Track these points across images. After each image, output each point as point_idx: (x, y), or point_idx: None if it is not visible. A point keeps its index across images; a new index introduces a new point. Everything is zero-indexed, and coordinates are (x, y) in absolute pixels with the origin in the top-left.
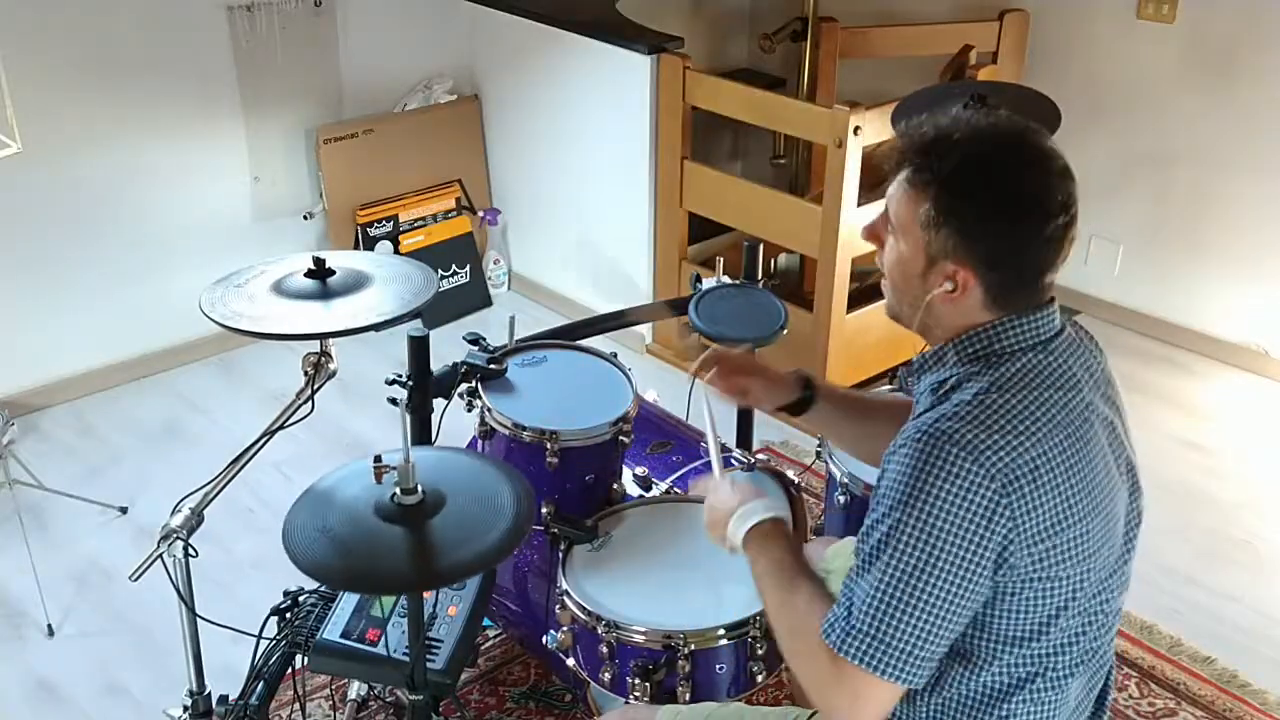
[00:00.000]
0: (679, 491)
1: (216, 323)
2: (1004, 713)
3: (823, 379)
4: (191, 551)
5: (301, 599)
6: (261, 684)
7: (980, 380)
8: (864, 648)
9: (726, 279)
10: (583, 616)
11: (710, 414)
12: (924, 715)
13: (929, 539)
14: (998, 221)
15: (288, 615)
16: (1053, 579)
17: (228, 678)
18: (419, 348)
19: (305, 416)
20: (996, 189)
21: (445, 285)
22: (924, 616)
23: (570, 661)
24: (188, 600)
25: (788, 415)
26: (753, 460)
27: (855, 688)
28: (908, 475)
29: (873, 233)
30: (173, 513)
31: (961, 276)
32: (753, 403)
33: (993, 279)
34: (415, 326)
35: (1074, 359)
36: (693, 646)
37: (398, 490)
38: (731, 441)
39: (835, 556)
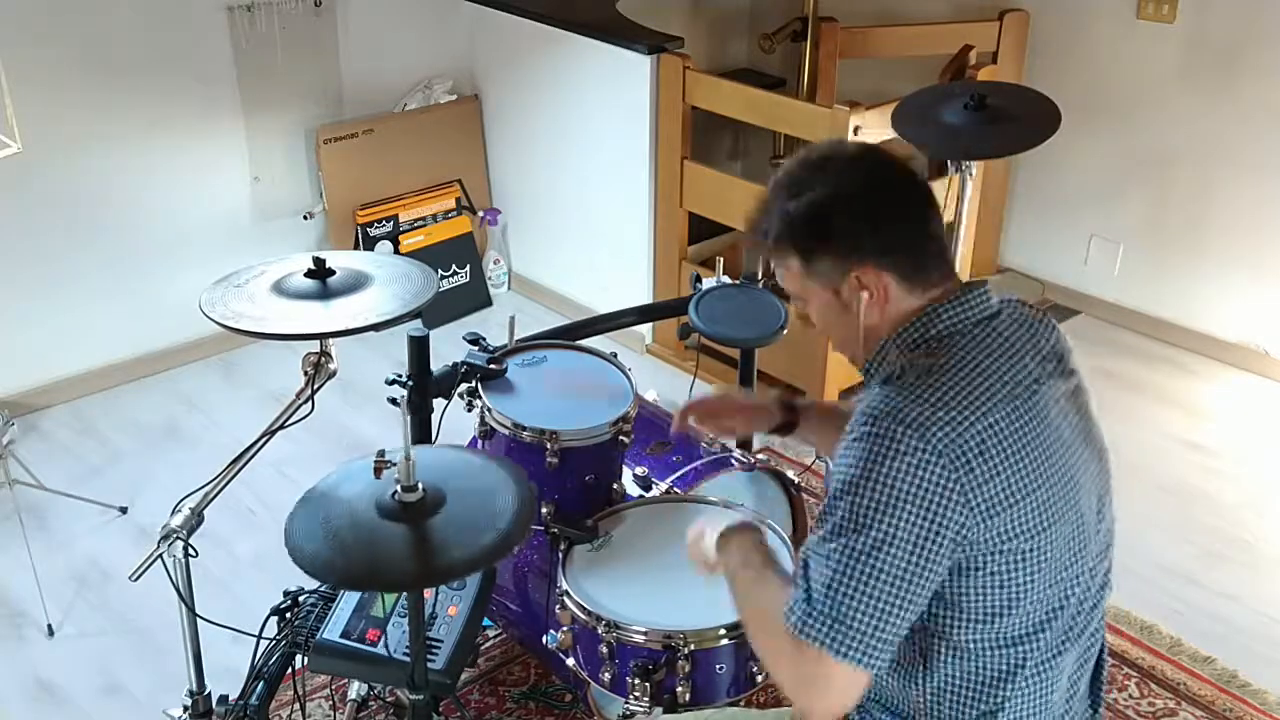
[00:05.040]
0: (679, 491)
1: (217, 323)
2: (1000, 698)
3: (802, 398)
4: (191, 551)
5: (301, 599)
6: (261, 684)
7: (922, 361)
8: (824, 630)
9: (726, 279)
10: (583, 616)
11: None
12: (922, 703)
13: (882, 519)
14: (843, 215)
15: (288, 615)
16: (1015, 552)
17: (228, 678)
18: (419, 348)
19: (305, 416)
20: (814, 194)
21: (445, 285)
22: (882, 596)
23: (570, 661)
24: (188, 600)
25: (779, 436)
26: (753, 460)
27: (818, 672)
28: (859, 457)
29: (805, 319)
30: (173, 513)
31: (867, 277)
32: (740, 435)
33: (889, 260)
34: (415, 326)
35: (1017, 334)
36: (693, 646)
37: (398, 488)
38: (731, 442)
39: None
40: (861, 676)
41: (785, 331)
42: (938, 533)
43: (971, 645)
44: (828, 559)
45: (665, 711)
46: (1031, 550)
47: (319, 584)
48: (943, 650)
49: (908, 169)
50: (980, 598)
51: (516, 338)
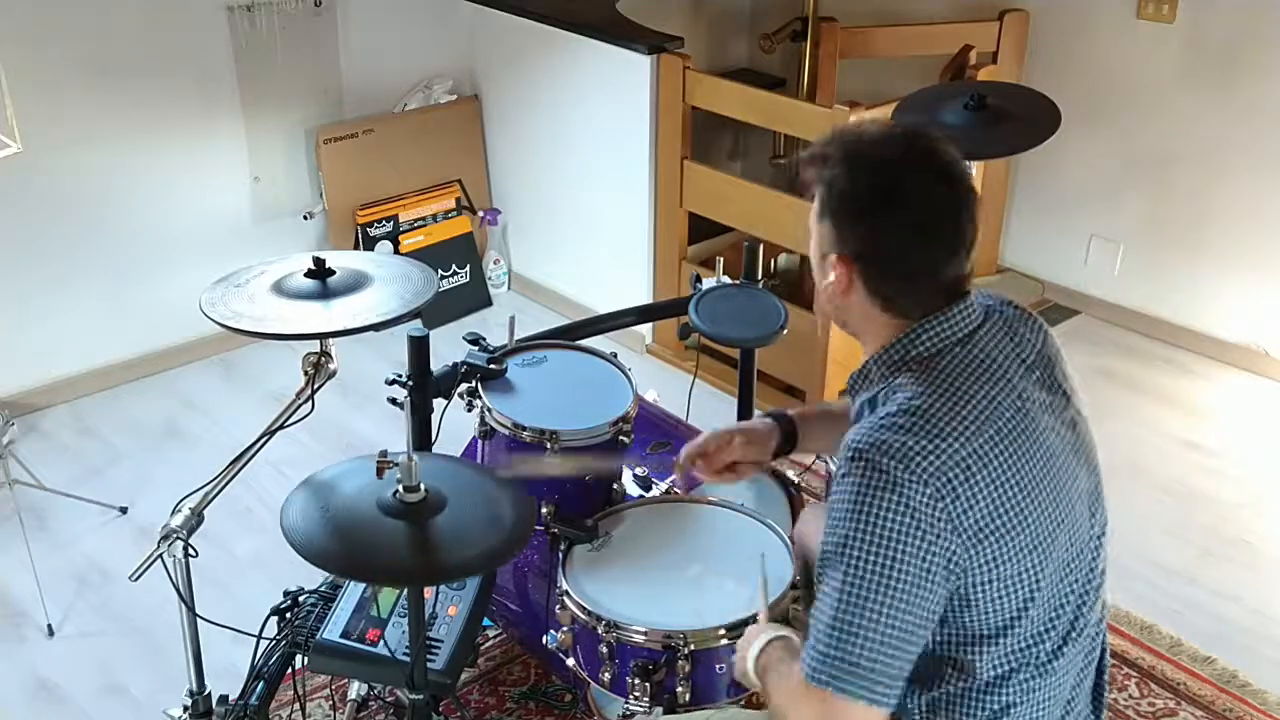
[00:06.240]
0: (679, 491)
1: (217, 323)
2: (998, 704)
3: (792, 410)
4: (191, 551)
5: (301, 599)
6: (261, 684)
7: (904, 389)
8: (832, 672)
9: (726, 279)
10: (583, 616)
11: (763, 575)
12: (918, 716)
13: (878, 556)
14: (865, 218)
15: (288, 615)
16: (1010, 576)
17: (228, 678)
18: (419, 348)
19: (305, 416)
20: (867, 186)
21: (445, 285)
22: (885, 633)
23: (570, 661)
24: (188, 600)
25: (785, 455)
26: None
27: (829, 713)
28: (849, 494)
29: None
30: (173, 513)
31: (841, 270)
32: (749, 469)
33: (869, 274)
34: (415, 326)
35: (1000, 348)
36: (693, 646)
37: (400, 487)
38: None
39: None
40: (875, 714)
41: (785, 331)
42: (932, 562)
43: (968, 661)
44: (831, 602)
45: (665, 711)
46: (1029, 570)
47: (321, 575)
48: (947, 669)
49: (958, 209)
50: (982, 621)
51: (516, 338)
